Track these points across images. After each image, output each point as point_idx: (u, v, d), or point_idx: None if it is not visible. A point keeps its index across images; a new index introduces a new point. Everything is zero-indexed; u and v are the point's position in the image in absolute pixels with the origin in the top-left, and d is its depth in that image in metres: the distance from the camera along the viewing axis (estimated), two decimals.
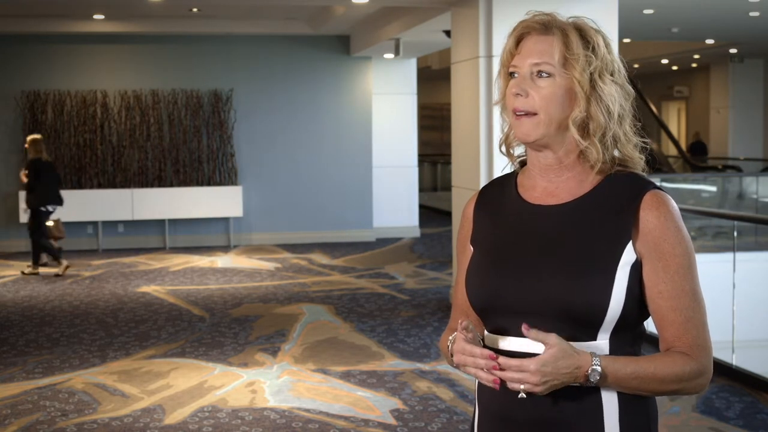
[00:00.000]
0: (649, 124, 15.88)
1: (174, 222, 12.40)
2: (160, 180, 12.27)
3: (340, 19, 10.99)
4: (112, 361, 6.42)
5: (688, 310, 1.70)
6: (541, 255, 1.74)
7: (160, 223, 12.34)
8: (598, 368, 1.64)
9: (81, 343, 6.98)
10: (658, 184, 1.79)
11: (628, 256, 1.70)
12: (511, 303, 1.73)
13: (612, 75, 1.75)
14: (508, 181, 1.88)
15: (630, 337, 1.73)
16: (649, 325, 1.80)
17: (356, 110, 12.83)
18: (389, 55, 12.53)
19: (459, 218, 1.99)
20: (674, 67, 20.44)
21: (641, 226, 1.71)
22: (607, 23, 6.97)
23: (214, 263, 10.97)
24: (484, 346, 1.79)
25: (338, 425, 4.99)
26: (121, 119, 12.23)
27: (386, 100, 13.30)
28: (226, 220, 12.51)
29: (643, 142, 1.81)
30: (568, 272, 1.69)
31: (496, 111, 1.88)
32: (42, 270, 10.37)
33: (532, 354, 1.66)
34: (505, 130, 1.85)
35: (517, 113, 1.75)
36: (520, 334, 1.70)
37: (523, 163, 1.88)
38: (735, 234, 7.00)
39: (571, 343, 1.66)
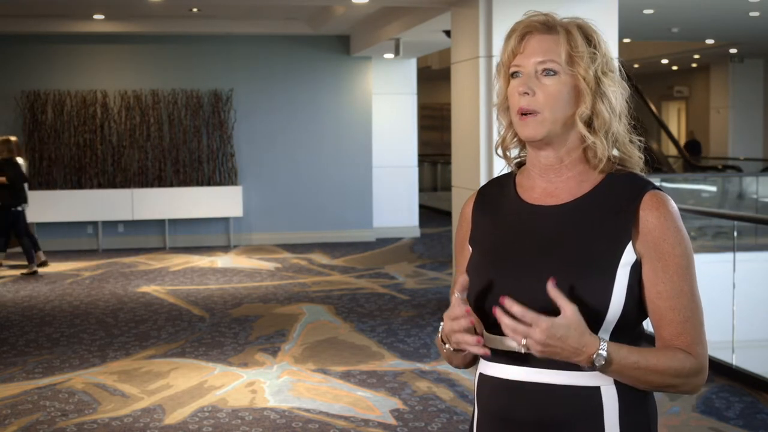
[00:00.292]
0: (649, 124, 15.89)
1: (174, 222, 12.40)
2: (160, 180, 12.27)
3: (340, 19, 10.99)
4: (112, 361, 6.42)
5: (686, 310, 1.70)
6: (540, 255, 1.74)
7: (160, 223, 12.35)
8: (604, 353, 1.62)
9: (81, 343, 6.98)
10: (658, 184, 1.80)
11: (628, 256, 1.70)
12: None
13: (612, 72, 1.77)
14: (506, 181, 1.88)
15: (630, 337, 1.73)
16: (645, 323, 1.81)
17: (356, 110, 12.83)
18: (389, 55, 12.53)
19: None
20: (674, 67, 20.45)
21: (641, 227, 1.71)
22: (607, 23, 6.97)
23: (214, 263, 10.97)
24: (484, 346, 1.79)
25: (338, 425, 4.99)
26: (121, 119, 12.24)
27: (386, 100, 13.30)
28: (226, 220, 12.51)
29: (640, 141, 1.82)
30: (568, 272, 1.69)
31: (496, 111, 1.88)
32: (41, 270, 10.38)
33: (532, 354, 1.66)
34: (502, 132, 1.85)
35: (523, 112, 1.74)
36: None
37: (520, 165, 1.88)
38: (735, 234, 6.99)
39: None
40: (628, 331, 1.73)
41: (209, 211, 12.30)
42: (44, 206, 11.83)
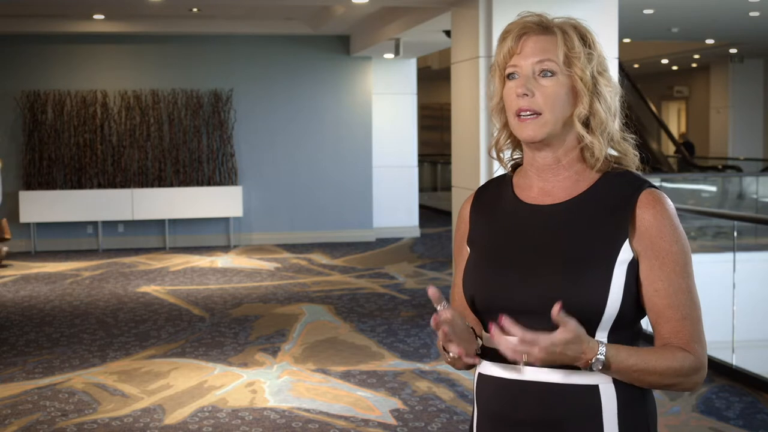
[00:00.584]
0: (649, 124, 15.89)
1: (174, 222, 12.40)
2: (160, 180, 12.27)
3: (340, 19, 10.99)
4: (112, 361, 6.42)
5: (684, 307, 1.71)
6: (537, 254, 1.74)
7: (160, 223, 12.35)
8: (602, 358, 1.63)
9: (81, 343, 6.98)
10: (657, 184, 1.80)
11: (625, 254, 1.71)
12: (509, 303, 1.74)
13: (606, 71, 1.77)
14: (504, 181, 1.89)
15: (628, 335, 1.74)
16: (644, 322, 1.81)
17: (356, 110, 12.83)
18: (389, 55, 12.54)
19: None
20: (674, 67, 20.44)
21: (637, 225, 1.71)
22: (607, 23, 6.97)
23: (214, 263, 10.97)
24: (483, 347, 1.80)
25: (338, 425, 4.99)
26: (121, 119, 12.23)
27: (386, 100, 13.30)
28: (226, 220, 12.51)
29: (633, 138, 1.83)
30: (565, 271, 1.70)
31: (490, 112, 1.88)
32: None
33: None
34: (496, 134, 1.85)
35: (522, 114, 1.74)
36: None
37: (515, 166, 1.89)
38: (735, 234, 6.99)
39: None
40: (626, 328, 1.73)
41: (209, 211, 12.30)
42: (44, 206, 11.83)
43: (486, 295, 1.77)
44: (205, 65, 12.43)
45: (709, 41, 15.10)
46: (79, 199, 11.92)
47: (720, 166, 15.96)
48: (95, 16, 11.60)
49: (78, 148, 12.09)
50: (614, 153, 1.80)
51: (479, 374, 1.82)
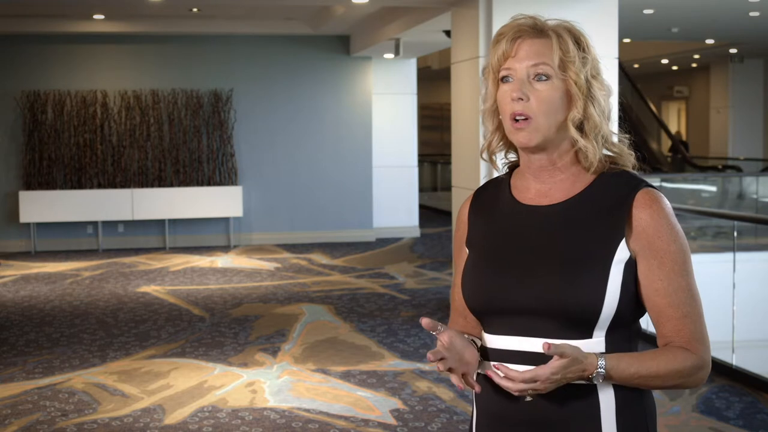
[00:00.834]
0: (649, 124, 15.89)
1: (174, 222, 12.40)
2: (160, 180, 12.27)
3: (340, 19, 10.99)
4: (112, 361, 6.42)
5: (685, 305, 1.71)
6: (535, 255, 1.75)
7: (160, 223, 12.35)
8: (603, 371, 1.66)
9: (81, 343, 6.98)
10: (657, 184, 1.81)
11: (622, 253, 1.71)
12: (507, 304, 1.74)
13: (600, 74, 1.77)
14: (501, 182, 1.89)
15: (626, 334, 1.75)
16: (644, 322, 1.81)
17: (356, 110, 12.83)
18: (389, 55, 12.54)
19: None
20: (674, 67, 20.44)
21: (634, 225, 1.72)
22: (607, 23, 6.96)
23: (214, 263, 10.97)
24: (482, 347, 1.81)
25: (338, 425, 4.99)
26: (121, 119, 12.23)
27: (386, 100, 13.31)
28: (226, 220, 12.51)
29: (627, 137, 1.83)
30: (563, 271, 1.70)
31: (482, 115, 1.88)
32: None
33: (530, 353, 1.69)
34: (487, 136, 1.86)
35: (517, 118, 1.74)
36: (518, 334, 1.73)
37: (512, 166, 1.89)
38: (735, 234, 6.99)
39: (571, 342, 1.67)
40: (624, 328, 1.74)
41: (209, 211, 12.30)
42: (44, 206, 11.83)
43: (484, 296, 1.78)
44: (205, 65, 12.43)
45: (709, 41, 15.10)
46: (79, 199, 11.92)
47: (720, 166, 15.97)
48: (95, 16, 11.60)
49: (78, 148, 12.09)
50: (610, 153, 1.80)
51: (478, 375, 1.83)
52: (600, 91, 1.75)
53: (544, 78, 1.73)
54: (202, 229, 12.50)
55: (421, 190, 15.70)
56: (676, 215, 1.76)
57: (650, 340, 1.79)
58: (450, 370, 1.73)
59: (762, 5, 10.61)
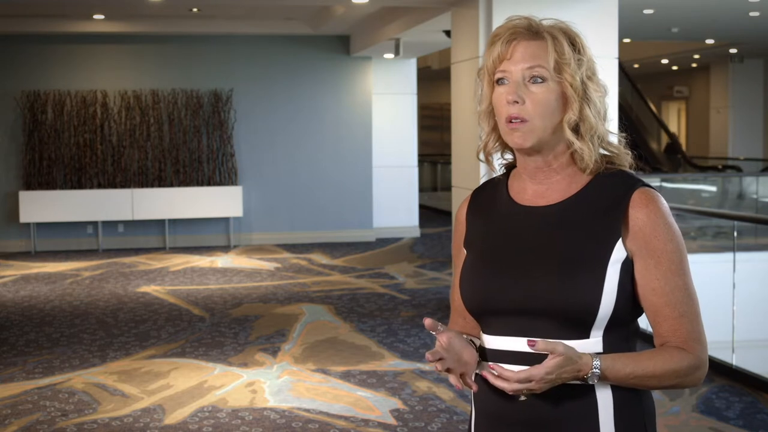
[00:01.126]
0: (649, 124, 15.89)
1: (174, 222, 12.40)
2: (160, 180, 12.27)
3: (340, 19, 10.99)
4: (112, 361, 6.42)
5: (681, 305, 1.71)
6: (532, 255, 1.75)
7: (160, 223, 12.35)
8: (598, 371, 1.66)
9: (81, 343, 6.99)
10: (657, 184, 1.81)
11: (618, 253, 1.71)
12: (505, 304, 1.75)
13: (595, 75, 1.77)
14: (499, 183, 1.89)
15: (624, 334, 1.75)
16: (643, 321, 1.81)
17: (356, 110, 12.83)
18: (389, 55, 12.54)
19: None
20: (674, 67, 20.44)
21: (631, 224, 1.72)
22: (607, 23, 6.96)
23: (214, 263, 10.97)
24: (482, 347, 1.81)
25: (338, 425, 4.99)
26: (121, 119, 12.24)
27: (386, 100, 13.31)
28: (226, 220, 12.51)
29: (623, 137, 1.83)
30: (559, 272, 1.71)
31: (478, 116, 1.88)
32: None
33: (528, 354, 1.69)
34: (483, 137, 1.86)
35: (513, 120, 1.74)
36: (516, 335, 1.73)
37: (510, 167, 1.89)
38: (735, 234, 7.00)
39: (568, 342, 1.67)
40: (622, 328, 1.74)
41: (209, 211, 12.30)
42: (44, 206, 11.83)
43: (482, 297, 1.78)
44: (205, 65, 12.43)
45: (709, 41, 15.10)
46: (79, 199, 11.92)
47: (720, 166, 15.97)
48: (95, 16, 11.60)
49: (78, 148, 12.09)
50: (607, 153, 1.80)
51: (477, 375, 1.83)
52: (596, 93, 1.75)
53: (539, 80, 1.73)
54: (202, 229, 12.50)
55: (421, 190, 15.70)
56: (676, 215, 1.76)
57: (647, 339, 1.79)
58: (448, 370, 1.73)
59: (762, 5, 10.61)
